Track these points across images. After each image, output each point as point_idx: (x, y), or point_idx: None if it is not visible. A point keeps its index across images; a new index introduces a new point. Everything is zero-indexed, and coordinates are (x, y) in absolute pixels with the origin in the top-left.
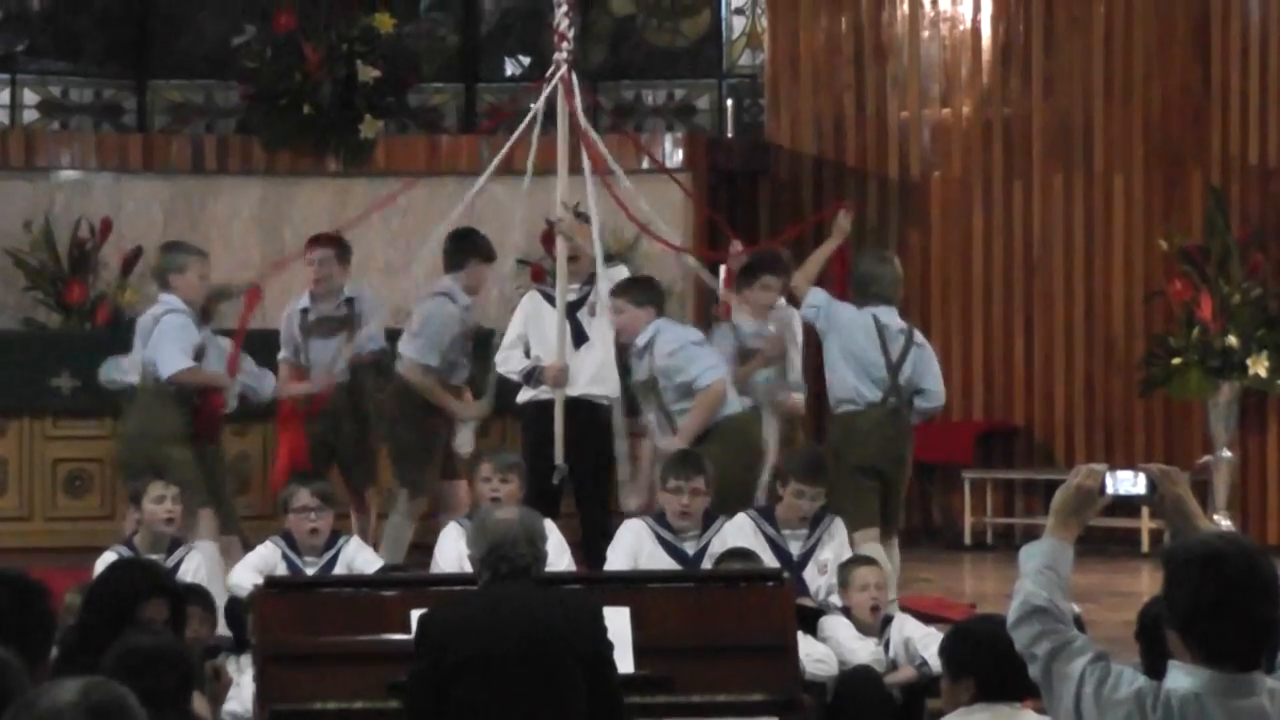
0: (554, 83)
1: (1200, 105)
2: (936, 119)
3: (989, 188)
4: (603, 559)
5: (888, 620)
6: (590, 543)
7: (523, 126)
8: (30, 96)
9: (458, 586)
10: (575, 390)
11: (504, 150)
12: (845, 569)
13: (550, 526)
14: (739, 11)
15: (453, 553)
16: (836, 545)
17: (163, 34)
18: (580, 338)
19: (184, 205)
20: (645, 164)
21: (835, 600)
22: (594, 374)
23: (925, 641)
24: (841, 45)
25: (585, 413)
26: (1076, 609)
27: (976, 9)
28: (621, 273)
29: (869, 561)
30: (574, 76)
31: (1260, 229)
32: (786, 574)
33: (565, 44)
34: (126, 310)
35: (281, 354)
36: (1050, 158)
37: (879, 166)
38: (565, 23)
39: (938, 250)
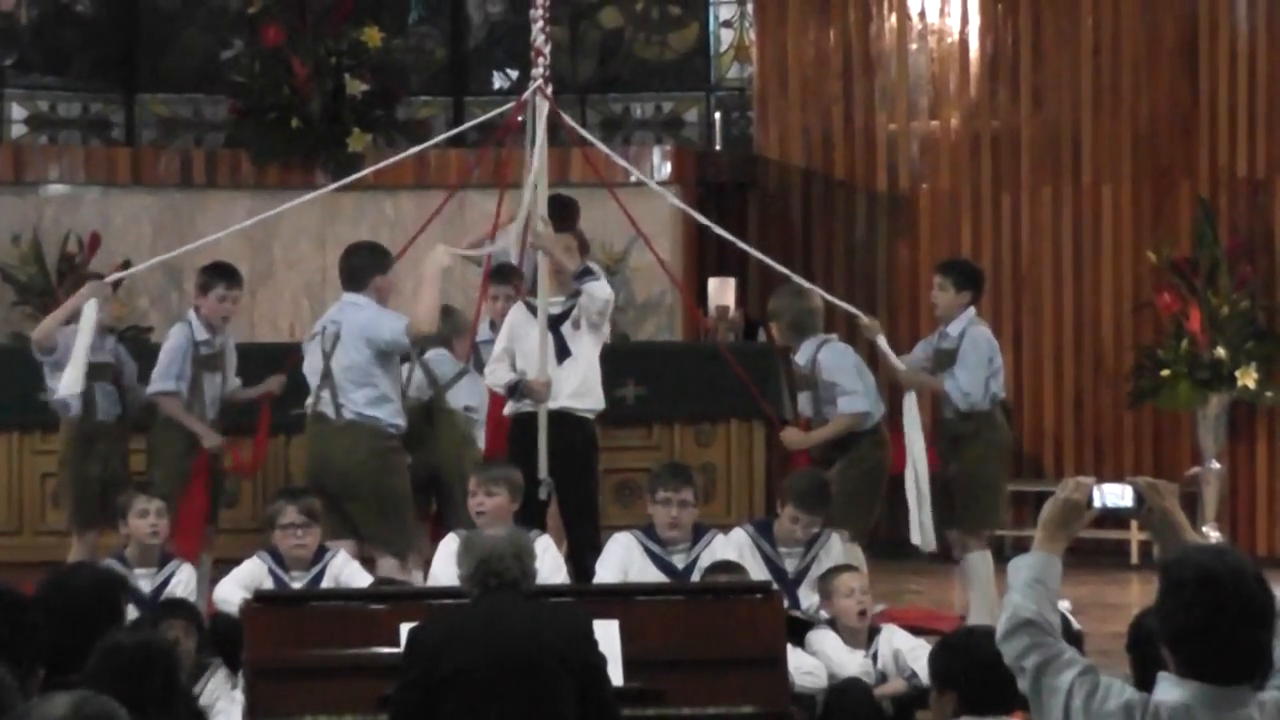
0: (535, 99)
1: (1188, 117)
2: (925, 131)
3: (977, 200)
4: (589, 572)
5: (876, 631)
6: (576, 556)
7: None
8: (18, 111)
9: (447, 600)
10: (557, 404)
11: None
12: (826, 578)
13: (547, 543)
14: (727, 24)
15: (450, 565)
16: (833, 562)
17: (151, 48)
18: (563, 352)
19: (172, 219)
20: (633, 177)
21: (826, 614)
22: (576, 388)
23: (915, 654)
24: (830, 58)
25: (568, 427)
26: (1070, 618)
27: (965, 22)
28: (602, 287)
29: (850, 568)
30: (549, 91)
31: (1249, 240)
32: (776, 587)
33: (542, 59)
34: (115, 324)
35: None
36: (1039, 170)
37: (867, 179)
38: (541, 39)
39: (926, 263)
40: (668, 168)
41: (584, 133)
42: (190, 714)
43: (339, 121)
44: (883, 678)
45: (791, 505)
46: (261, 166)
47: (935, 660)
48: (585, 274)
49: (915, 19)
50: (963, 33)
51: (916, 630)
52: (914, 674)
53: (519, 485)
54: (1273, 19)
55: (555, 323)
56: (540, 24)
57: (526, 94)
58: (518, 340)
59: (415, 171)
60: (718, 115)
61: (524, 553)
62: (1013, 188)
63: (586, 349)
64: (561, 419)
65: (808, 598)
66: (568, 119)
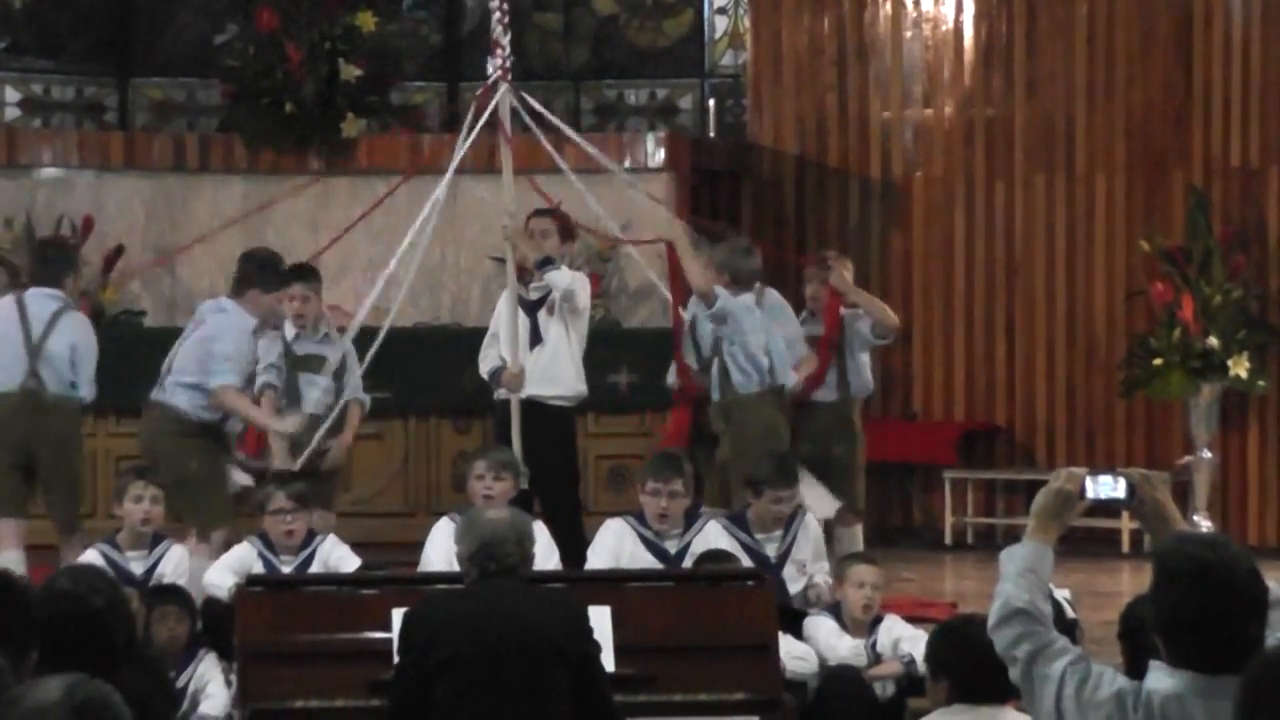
0: (498, 90)
1: (1182, 106)
2: (918, 119)
3: (971, 188)
4: (570, 560)
5: (878, 620)
6: (556, 544)
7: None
8: (12, 94)
9: (439, 585)
10: (527, 391)
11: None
12: (844, 564)
13: (539, 528)
14: (721, 11)
15: (443, 548)
16: (812, 543)
17: (145, 32)
18: (535, 338)
19: (166, 203)
20: (627, 163)
21: (819, 589)
22: (543, 375)
23: (913, 641)
24: (824, 45)
25: (539, 414)
26: (1067, 606)
27: (959, 10)
28: (561, 276)
29: (869, 560)
30: (509, 83)
31: (1241, 230)
32: (769, 576)
33: (500, 51)
34: (108, 308)
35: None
36: (1032, 159)
37: (861, 167)
38: (499, 29)
39: (919, 251)
40: (661, 154)
41: (555, 120)
42: (149, 676)
43: (333, 106)
44: (878, 661)
45: (769, 489)
46: (255, 151)
47: (931, 646)
48: (545, 263)
49: (910, 6)
50: (957, 21)
51: (907, 618)
52: (911, 659)
53: (518, 471)
54: (1267, 9)
55: (534, 308)
56: (497, 14)
57: (494, 85)
58: (501, 328)
59: (409, 156)
60: (712, 102)
61: (525, 538)
62: (1006, 176)
63: (557, 336)
64: (533, 407)
65: (792, 580)
66: (538, 106)
